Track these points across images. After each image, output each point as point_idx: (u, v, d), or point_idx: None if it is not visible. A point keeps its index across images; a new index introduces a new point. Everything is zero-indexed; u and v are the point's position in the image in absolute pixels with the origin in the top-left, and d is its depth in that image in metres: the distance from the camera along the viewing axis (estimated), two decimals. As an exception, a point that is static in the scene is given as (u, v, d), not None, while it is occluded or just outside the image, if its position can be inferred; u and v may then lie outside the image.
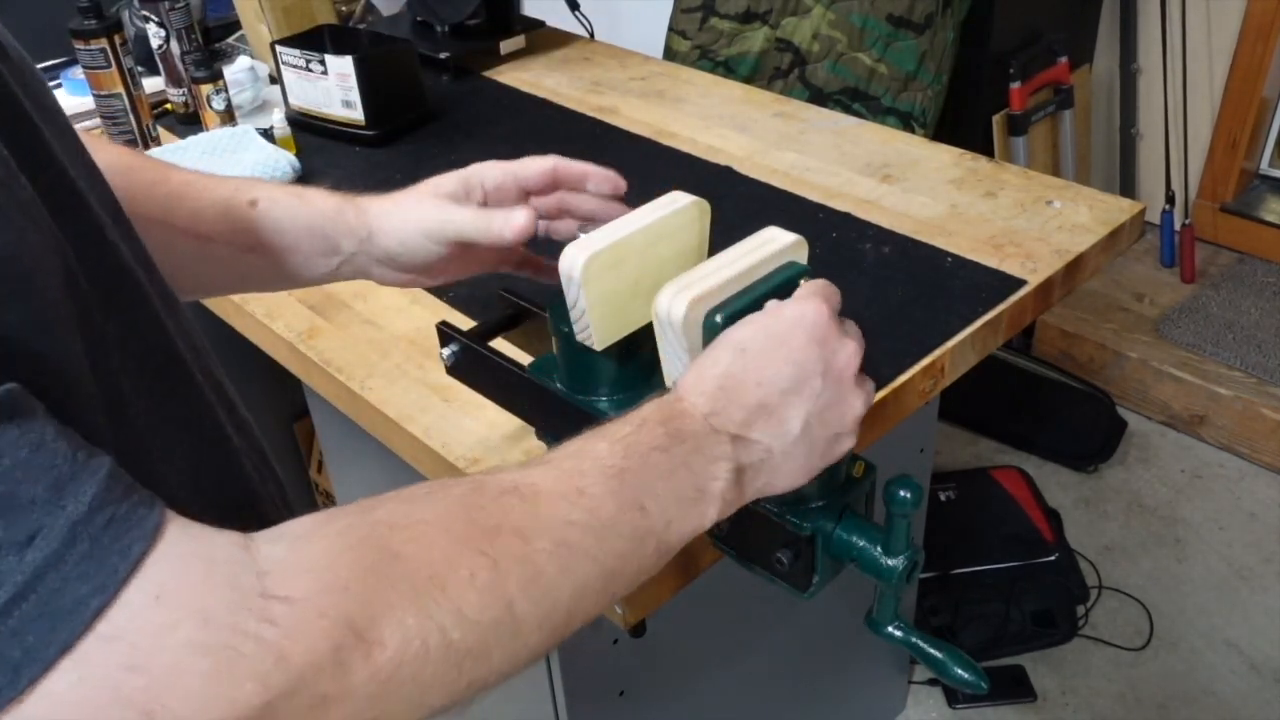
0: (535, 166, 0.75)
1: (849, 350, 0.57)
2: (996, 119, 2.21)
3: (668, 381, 0.61)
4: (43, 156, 0.44)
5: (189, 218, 0.68)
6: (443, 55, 1.56)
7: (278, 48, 1.40)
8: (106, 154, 0.64)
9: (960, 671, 0.60)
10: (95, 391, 0.43)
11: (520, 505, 0.47)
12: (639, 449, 0.51)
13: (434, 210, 0.70)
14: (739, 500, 0.55)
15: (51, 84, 1.29)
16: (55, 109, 0.49)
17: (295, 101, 1.42)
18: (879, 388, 0.89)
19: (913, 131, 1.97)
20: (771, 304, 0.58)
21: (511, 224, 0.66)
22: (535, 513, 0.47)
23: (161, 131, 1.45)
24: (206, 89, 1.37)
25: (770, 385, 0.55)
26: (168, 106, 1.51)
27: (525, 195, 0.75)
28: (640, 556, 0.50)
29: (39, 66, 0.55)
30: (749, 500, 0.56)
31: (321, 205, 0.72)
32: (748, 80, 2.06)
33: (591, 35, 1.77)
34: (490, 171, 0.74)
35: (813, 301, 0.57)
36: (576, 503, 0.48)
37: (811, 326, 0.56)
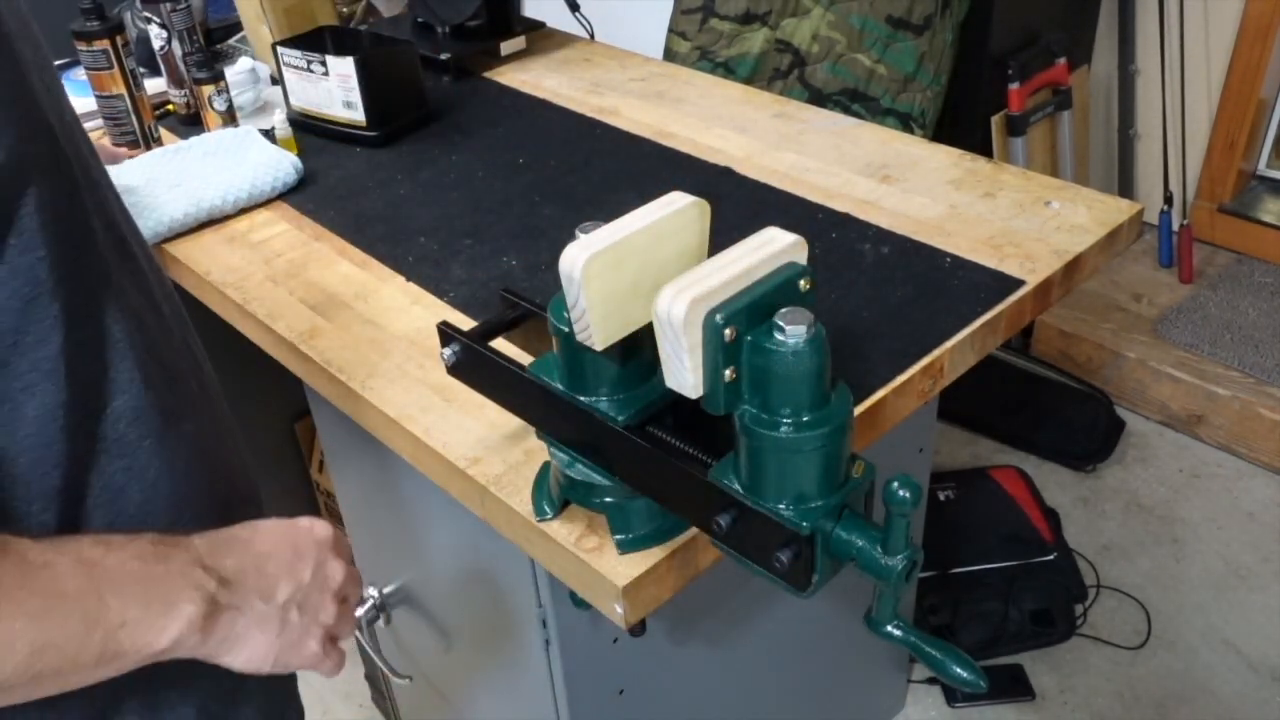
0: None
1: (342, 571, 0.68)
2: (995, 120, 2.22)
3: (669, 382, 0.61)
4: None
5: None
6: (443, 56, 1.56)
7: (279, 49, 1.40)
8: None
9: (959, 670, 0.61)
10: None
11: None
12: (123, 551, 0.55)
13: None
14: (202, 644, 0.58)
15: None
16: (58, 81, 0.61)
17: (296, 102, 1.42)
18: (877, 387, 0.89)
19: (912, 132, 1.97)
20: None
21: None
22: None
23: (163, 132, 1.45)
24: (208, 90, 1.37)
25: (269, 555, 0.63)
26: (169, 107, 1.51)
27: None
28: (82, 642, 0.52)
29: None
30: (209, 651, 0.59)
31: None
32: (747, 81, 2.06)
33: (591, 36, 1.78)
34: None
35: (328, 526, 0.69)
36: (38, 575, 0.51)
37: (320, 536, 0.67)
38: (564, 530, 0.78)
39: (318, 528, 0.67)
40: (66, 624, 0.51)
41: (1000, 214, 1.14)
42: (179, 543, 0.58)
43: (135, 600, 0.54)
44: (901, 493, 0.56)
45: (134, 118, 1.37)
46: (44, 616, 0.50)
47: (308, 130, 1.41)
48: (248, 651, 0.61)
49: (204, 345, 0.74)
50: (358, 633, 1.29)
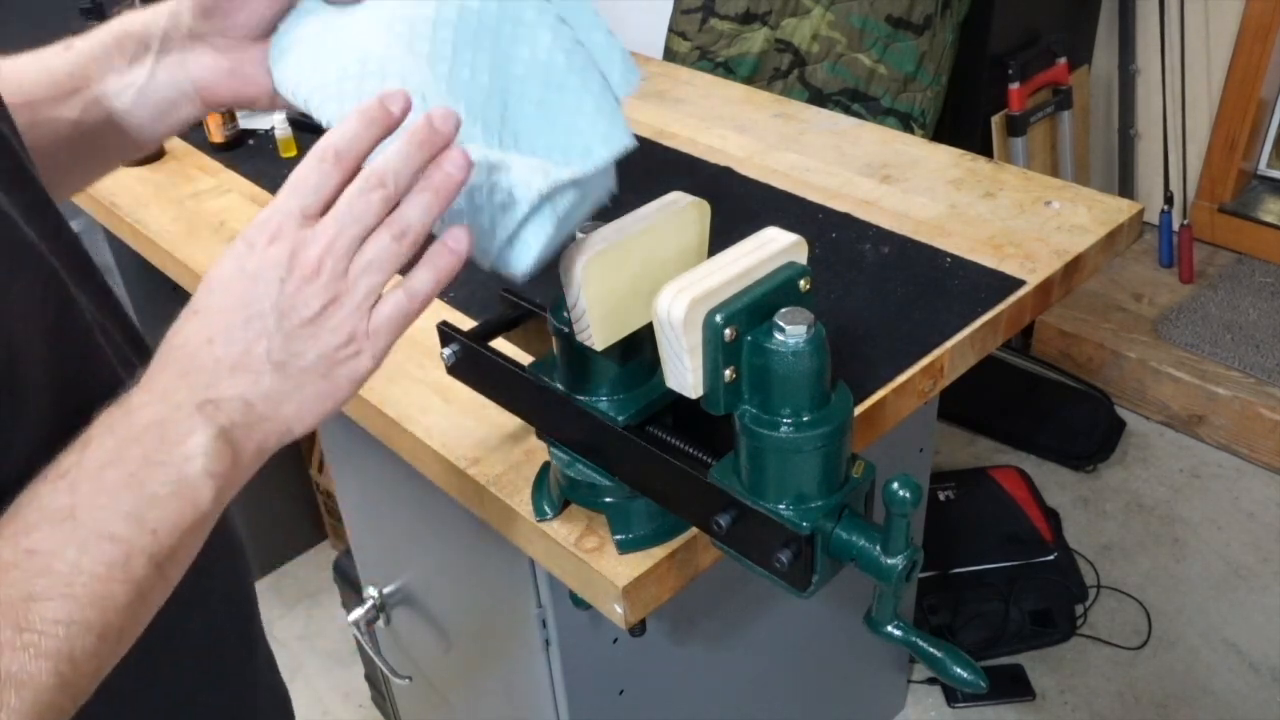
0: None
1: (307, 250, 0.48)
2: (995, 120, 2.22)
3: (669, 382, 0.61)
4: None
5: (10, 89, 0.61)
6: (443, 56, 1.56)
7: (278, 48, 1.40)
8: None
9: (959, 670, 0.60)
10: None
11: None
12: (87, 474, 0.45)
13: None
14: (241, 463, 0.49)
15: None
16: None
17: (296, 102, 1.42)
18: (877, 387, 0.89)
19: (912, 132, 1.98)
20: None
21: None
22: None
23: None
24: (207, 89, 1.37)
25: (219, 336, 0.48)
26: (168, 107, 1.51)
27: None
28: (135, 582, 0.45)
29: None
30: (262, 453, 0.50)
31: (145, 10, 0.65)
32: (747, 81, 2.06)
33: (591, 36, 1.77)
34: None
35: (255, 224, 0.49)
36: (28, 567, 0.43)
37: (238, 255, 0.49)
38: (564, 530, 0.78)
39: (238, 241, 0.49)
40: (96, 589, 0.43)
41: (1000, 214, 1.14)
42: (130, 409, 0.47)
43: (143, 508, 0.46)
44: (901, 493, 0.56)
45: (134, 117, 1.37)
46: (75, 612, 0.43)
47: (308, 130, 1.41)
48: (295, 427, 0.51)
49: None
50: (357, 633, 1.29)
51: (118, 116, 0.63)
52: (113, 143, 0.65)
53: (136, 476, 0.46)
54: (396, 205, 0.49)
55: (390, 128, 0.50)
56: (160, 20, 0.62)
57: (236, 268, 0.48)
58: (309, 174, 0.48)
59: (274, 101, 0.63)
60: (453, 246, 0.52)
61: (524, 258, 0.57)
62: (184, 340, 0.49)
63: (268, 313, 0.48)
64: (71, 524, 0.44)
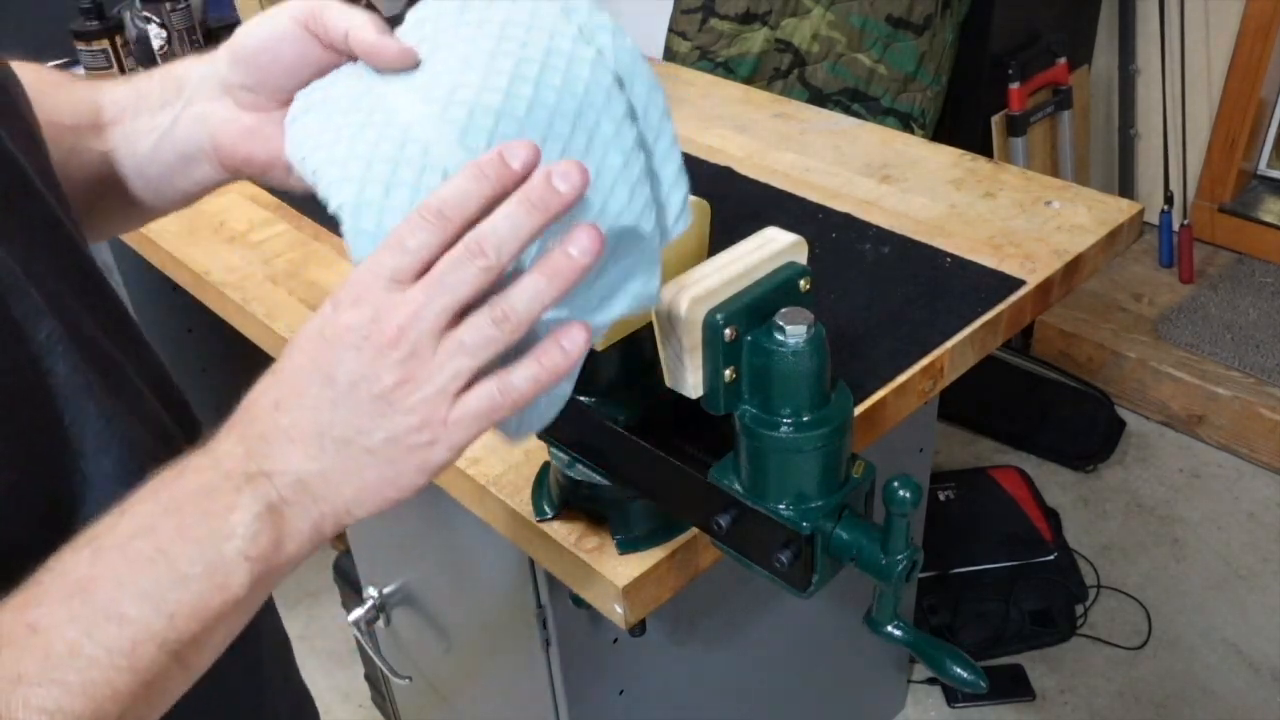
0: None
1: (390, 317, 0.43)
2: (995, 120, 2.22)
3: (669, 382, 0.61)
4: None
5: (64, 112, 0.59)
6: (443, 56, 1.56)
7: (278, 48, 1.40)
8: (32, 73, 0.60)
9: (959, 670, 0.60)
10: None
11: None
12: (116, 542, 0.41)
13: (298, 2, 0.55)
14: (286, 547, 0.44)
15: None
16: (16, 106, 0.49)
17: (296, 102, 1.42)
18: (877, 388, 0.89)
19: (912, 132, 1.98)
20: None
21: (390, 48, 0.51)
22: None
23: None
24: (207, 89, 1.37)
25: (286, 402, 0.44)
26: (168, 107, 1.51)
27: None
28: (140, 670, 0.40)
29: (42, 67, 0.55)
30: (318, 537, 0.46)
31: (190, 54, 0.61)
32: (747, 81, 2.06)
33: (591, 36, 1.77)
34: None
35: (345, 283, 0.45)
36: (26, 645, 0.39)
37: (322, 316, 0.45)
38: (564, 530, 0.78)
39: (327, 305, 0.45)
40: (94, 676, 0.39)
41: (1000, 214, 1.14)
42: (195, 467, 0.44)
43: (166, 587, 0.41)
44: (901, 493, 0.56)
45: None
46: (69, 699, 0.39)
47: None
48: (356, 510, 0.46)
49: (204, 345, 0.69)
50: (357, 633, 1.29)
51: (138, 161, 0.60)
52: (133, 188, 0.61)
53: (166, 552, 0.41)
54: (501, 277, 0.44)
55: (508, 187, 0.43)
56: (201, 67, 0.58)
57: (317, 330, 0.44)
58: (407, 233, 0.43)
59: (289, 174, 0.56)
60: (567, 347, 0.45)
61: (528, 420, 0.51)
62: (252, 402, 0.45)
63: (338, 381, 0.43)
64: (82, 599, 0.40)
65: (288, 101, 0.55)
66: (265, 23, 0.54)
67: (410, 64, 0.50)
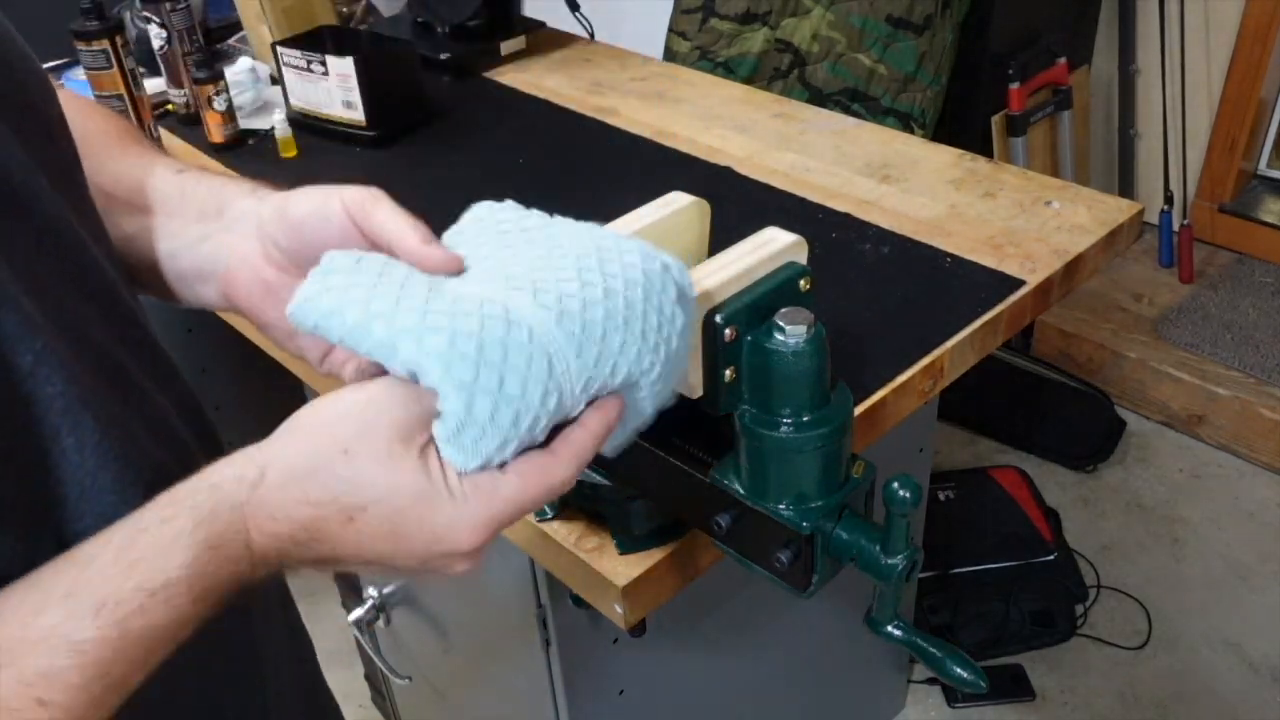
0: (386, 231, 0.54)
1: (459, 564, 0.48)
2: (995, 120, 2.22)
3: (668, 381, 0.61)
4: None
5: (109, 178, 0.60)
6: (443, 56, 1.56)
7: (279, 48, 1.40)
8: (93, 121, 0.61)
9: (959, 670, 0.60)
10: None
11: None
12: (127, 611, 0.41)
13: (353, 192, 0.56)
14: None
15: (52, 85, 1.28)
16: (36, 107, 0.48)
17: (296, 102, 1.42)
18: (877, 388, 0.89)
19: (912, 132, 1.98)
20: (419, 485, 0.46)
21: (436, 253, 0.51)
22: None
23: (164, 132, 1.45)
24: (208, 90, 1.37)
25: (354, 555, 0.46)
26: (169, 107, 1.51)
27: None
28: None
29: (42, 67, 0.55)
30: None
31: (245, 182, 0.61)
32: (747, 81, 2.06)
33: (591, 36, 1.78)
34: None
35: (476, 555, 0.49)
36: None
37: (441, 494, 0.46)
38: (564, 530, 0.78)
39: (459, 565, 0.48)
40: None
41: (1000, 214, 1.14)
42: (233, 557, 0.44)
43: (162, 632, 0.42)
44: (901, 493, 0.56)
45: (133, 118, 1.37)
46: None
47: (307, 130, 1.41)
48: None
49: (204, 345, 0.68)
50: (357, 633, 1.29)
51: (156, 255, 0.60)
52: (143, 272, 0.61)
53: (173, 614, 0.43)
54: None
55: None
56: (247, 201, 0.58)
57: (415, 538, 0.46)
58: (565, 483, 0.48)
59: (289, 338, 0.57)
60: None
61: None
62: (324, 529, 0.45)
63: (408, 556, 0.46)
64: (95, 670, 0.40)
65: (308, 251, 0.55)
66: (318, 197, 0.54)
67: (456, 270, 0.50)
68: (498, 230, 0.53)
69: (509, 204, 0.55)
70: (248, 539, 0.44)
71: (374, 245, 0.52)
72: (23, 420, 0.45)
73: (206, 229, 0.58)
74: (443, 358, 0.44)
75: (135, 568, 0.42)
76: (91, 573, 0.41)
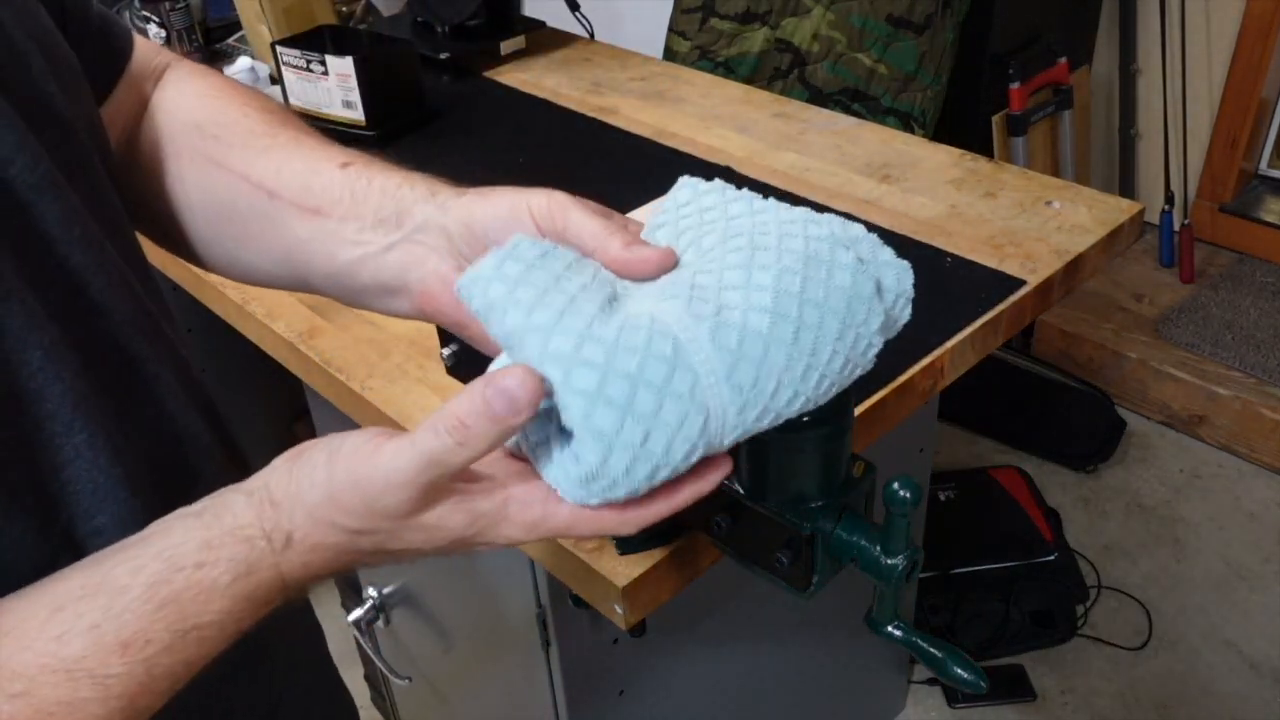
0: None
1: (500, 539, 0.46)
2: (996, 119, 2.22)
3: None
4: None
5: (269, 172, 0.58)
6: (443, 56, 1.56)
7: (278, 48, 1.40)
8: (215, 94, 0.59)
9: (960, 671, 0.60)
10: None
11: None
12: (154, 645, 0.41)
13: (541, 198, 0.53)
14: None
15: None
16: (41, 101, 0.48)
17: (295, 102, 1.42)
18: (877, 388, 0.89)
19: (912, 132, 1.97)
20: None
21: (643, 255, 0.48)
22: None
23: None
24: (207, 89, 1.37)
25: (380, 551, 0.46)
26: (168, 107, 1.51)
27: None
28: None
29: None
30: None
31: (417, 181, 0.59)
32: (748, 81, 2.06)
33: (591, 36, 1.77)
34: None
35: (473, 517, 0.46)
36: None
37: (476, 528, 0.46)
38: (563, 530, 0.78)
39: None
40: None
41: (1001, 214, 1.14)
42: (263, 585, 0.44)
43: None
44: (901, 493, 0.56)
45: (133, 117, 1.37)
46: None
47: (307, 130, 1.41)
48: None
49: (203, 345, 0.67)
50: (357, 633, 1.29)
51: (334, 265, 0.58)
52: (314, 278, 0.60)
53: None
54: None
55: None
56: (427, 207, 0.56)
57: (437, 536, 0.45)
58: (614, 532, 0.46)
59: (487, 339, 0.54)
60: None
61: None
62: (356, 545, 0.45)
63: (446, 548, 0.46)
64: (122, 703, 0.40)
65: None
66: (504, 206, 0.52)
67: (672, 266, 0.47)
68: (701, 218, 0.48)
69: (717, 183, 0.50)
70: (284, 585, 0.45)
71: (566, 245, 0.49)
72: (32, 416, 0.45)
73: (389, 238, 0.56)
74: (588, 399, 0.41)
75: (166, 608, 0.41)
76: (120, 607, 0.41)
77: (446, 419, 0.42)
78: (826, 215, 0.47)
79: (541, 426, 0.44)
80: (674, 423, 0.41)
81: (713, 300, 0.43)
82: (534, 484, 0.46)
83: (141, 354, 0.51)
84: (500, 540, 0.46)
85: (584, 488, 0.43)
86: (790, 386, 0.44)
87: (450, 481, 0.44)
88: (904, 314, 0.48)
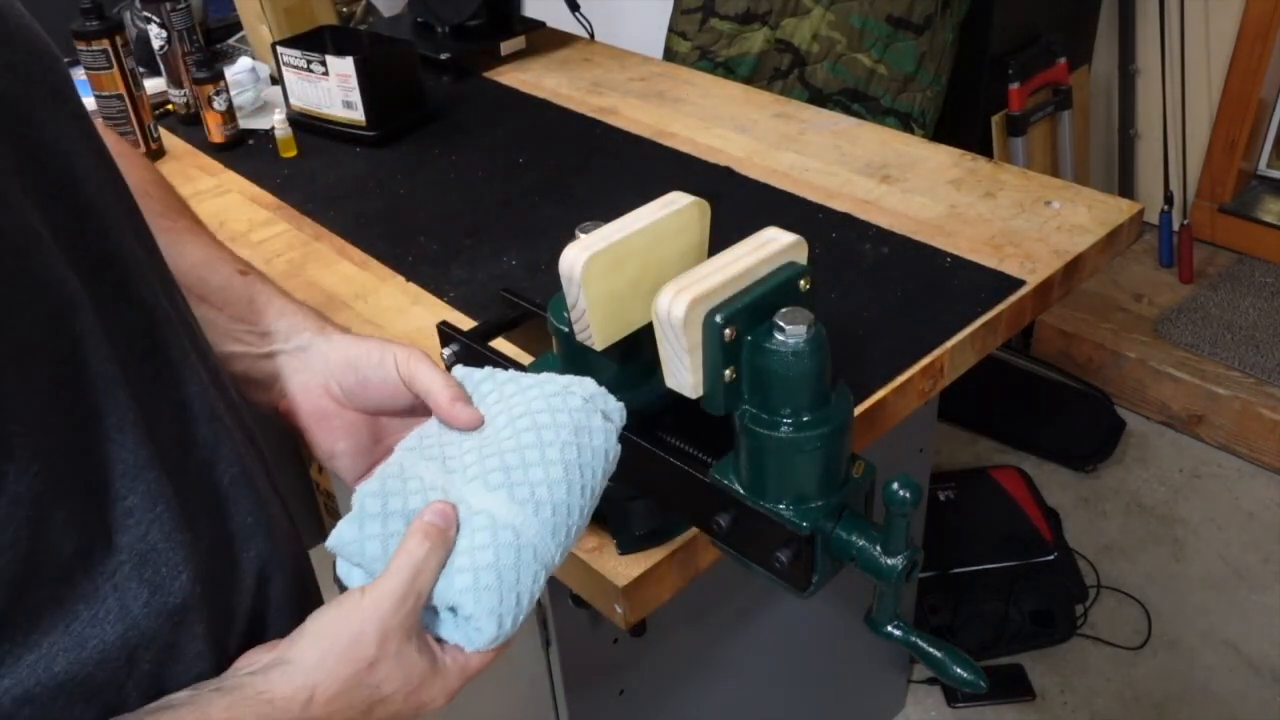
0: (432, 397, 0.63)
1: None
2: (995, 119, 2.22)
3: (669, 382, 0.61)
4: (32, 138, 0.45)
5: (168, 255, 0.60)
6: (443, 56, 1.56)
7: (279, 48, 1.40)
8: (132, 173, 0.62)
9: (959, 670, 0.60)
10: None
11: None
12: None
13: (404, 351, 0.65)
14: None
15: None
16: (64, 93, 0.49)
17: (296, 102, 1.42)
18: (877, 388, 0.89)
19: (912, 132, 1.97)
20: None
21: (461, 413, 0.61)
22: None
23: (163, 133, 1.45)
24: (208, 90, 1.37)
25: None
26: (169, 107, 1.51)
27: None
28: None
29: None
30: None
31: (310, 314, 0.69)
32: (747, 81, 2.06)
33: (591, 36, 1.78)
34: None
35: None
36: None
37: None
38: (564, 530, 0.78)
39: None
40: None
41: (1000, 214, 1.14)
42: None
43: None
44: (901, 493, 0.56)
45: (133, 118, 1.37)
46: None
47: (307, 130, 1.41)
48: None
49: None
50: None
51: (219, 355, 0.64)
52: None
53: None
54: None
55: None
56: (315, 337, 0.67)
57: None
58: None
59: (329, 459, 0.68)
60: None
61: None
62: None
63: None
64: None
65: (365, 411, 0.67)
66: (377, 353, 0.65)
67: (477, 426, 0.61)
68: (498, 390, 0.63)
69: (487, 370, 0.64)
70: None
71: (415, 396, 0.63)
72: (89, 401, 0.47)
73: (272, 347, 0.67)
74: (472, 593, 0.55)
75: None
76: None
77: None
78: (568, 378, 0.63)
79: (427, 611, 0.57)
80: (529, 580, 0.57)
81: (525, 482, 0.57)
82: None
83: (165, 338, 0.52)
84: (440, 696, 0.57)
85: (490, 644, 0.58)
86: (579, 512, 0.59)
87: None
88: (620, 420, 0.64)
